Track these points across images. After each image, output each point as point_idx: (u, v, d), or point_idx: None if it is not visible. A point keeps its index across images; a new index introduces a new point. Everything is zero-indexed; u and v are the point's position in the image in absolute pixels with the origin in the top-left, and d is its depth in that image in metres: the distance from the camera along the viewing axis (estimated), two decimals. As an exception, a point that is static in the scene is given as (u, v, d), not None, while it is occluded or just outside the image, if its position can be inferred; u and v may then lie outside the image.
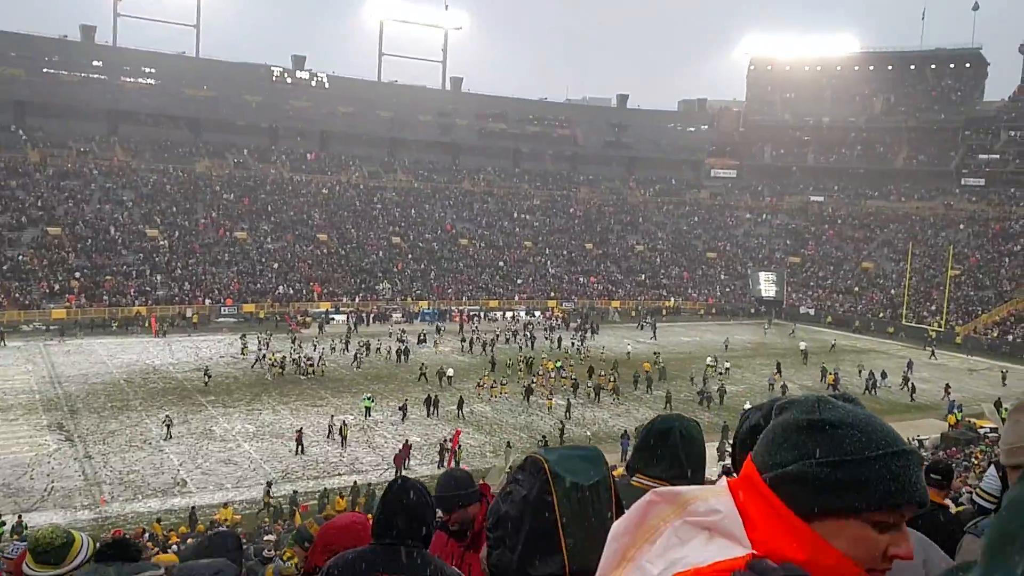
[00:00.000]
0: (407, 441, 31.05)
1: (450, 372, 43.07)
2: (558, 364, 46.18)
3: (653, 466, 2.33)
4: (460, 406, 36.56)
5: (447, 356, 49.26)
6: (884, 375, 46.68)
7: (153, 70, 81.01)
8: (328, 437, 32.37)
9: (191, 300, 58.00)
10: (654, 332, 60.59)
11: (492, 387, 40.85)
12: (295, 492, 26.19)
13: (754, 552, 0.98)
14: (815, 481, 1.04)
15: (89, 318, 53.11)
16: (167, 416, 32.67)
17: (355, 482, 27.23)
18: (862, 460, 1.05)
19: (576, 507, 1.47)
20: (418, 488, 2.75)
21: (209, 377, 39.93)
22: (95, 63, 78.76)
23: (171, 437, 31.34)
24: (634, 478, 2.36)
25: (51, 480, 26.60)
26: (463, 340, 52.82)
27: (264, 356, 45.08)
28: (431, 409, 36.51)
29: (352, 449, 31.78)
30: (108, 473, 27.85)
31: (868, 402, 41.52)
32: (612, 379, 43.02)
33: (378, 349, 49.10)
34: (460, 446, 30.21)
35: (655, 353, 49.93)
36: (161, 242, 63.86)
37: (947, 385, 44.19)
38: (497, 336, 53.79)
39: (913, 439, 33.12)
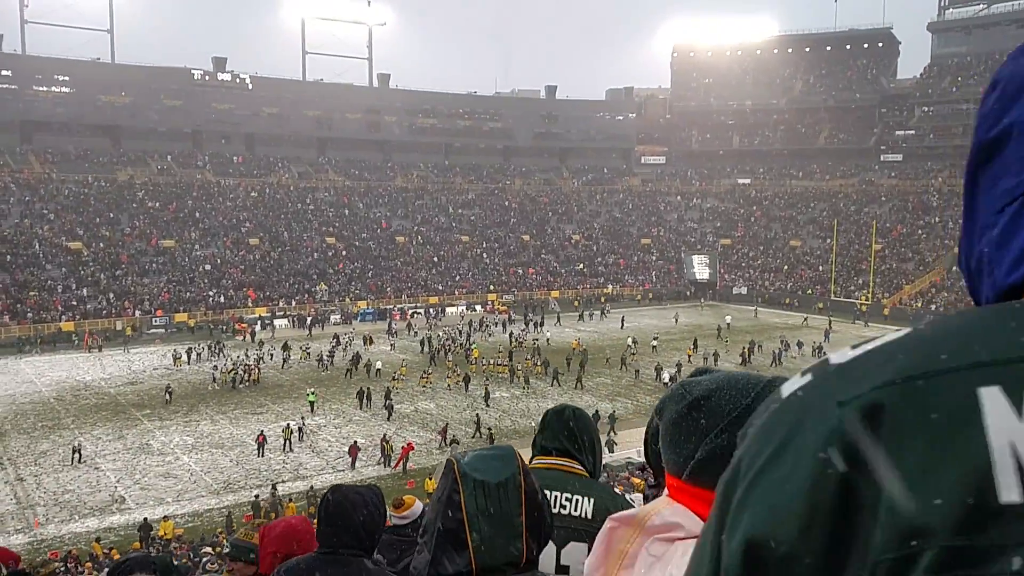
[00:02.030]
0: (355, 443, 30.96)
1: (378, 365, 43.77)
2: (499, 352, 47.43)
3: (549, 443, 2.50)
4: (387, 397, 37.15)
5: (397, 355, 48.77)
6: (800, 344, 50.20)
7: (67, 78, 78.18)
8: (286, 446, 31.88)
9: (120, 313, 56.33)
10: (603, 315, 63.65)
11: (423, 376, 42.27)
12: (273, 492, 26.25)
13: None
14: (721, 452, 1.08)
15: (15, 336, 51.13)
16: (78, 442, 31.12)
17: (312, 486, 27.04)
18: (744, 411, 1.12)
19: (483, 504, 1.50)
20: (351, 494, 2.76)
21: (171, 393, 38.28)
22: (3, 72, 75.59)
23: (82, 461, 29.93)
24: (534, 460, 2.47)
25: (-20, 506, 25.65)
26: (424, 339, 52.39)
27: (219, 367, 43.79)
28: (363, 402, 37.23)
29: (295, 455, 31.40)
30: (42, 495, 26.97)
31: (778, 372, 42.76)
32: (537, 366, 44.35)
33: (330, 353, 47.85)
34: (408, 457, 30.05)
35: (632, 341, 50.48)
36: (85, 255, 61.84)
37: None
38: (454, 332, 54.28)
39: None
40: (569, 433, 2.49)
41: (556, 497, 2.30)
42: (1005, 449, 0.48)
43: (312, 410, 36.43)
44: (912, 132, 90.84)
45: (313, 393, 37.67)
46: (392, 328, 56.07)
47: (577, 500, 2.32)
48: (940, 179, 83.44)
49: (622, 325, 58.75)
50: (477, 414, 34.88)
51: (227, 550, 3.99)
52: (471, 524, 1.48)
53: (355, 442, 31.19)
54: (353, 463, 30.01)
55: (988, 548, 0.47)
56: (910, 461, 0.51)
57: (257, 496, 26.23)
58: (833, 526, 0.52)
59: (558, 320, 61.11)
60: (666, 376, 41.40)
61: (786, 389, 0.60)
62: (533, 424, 34.37)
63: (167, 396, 38.01)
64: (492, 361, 45.77)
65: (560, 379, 42.13)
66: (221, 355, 47.07)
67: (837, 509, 0.52)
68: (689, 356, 47.21)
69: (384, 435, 31.84)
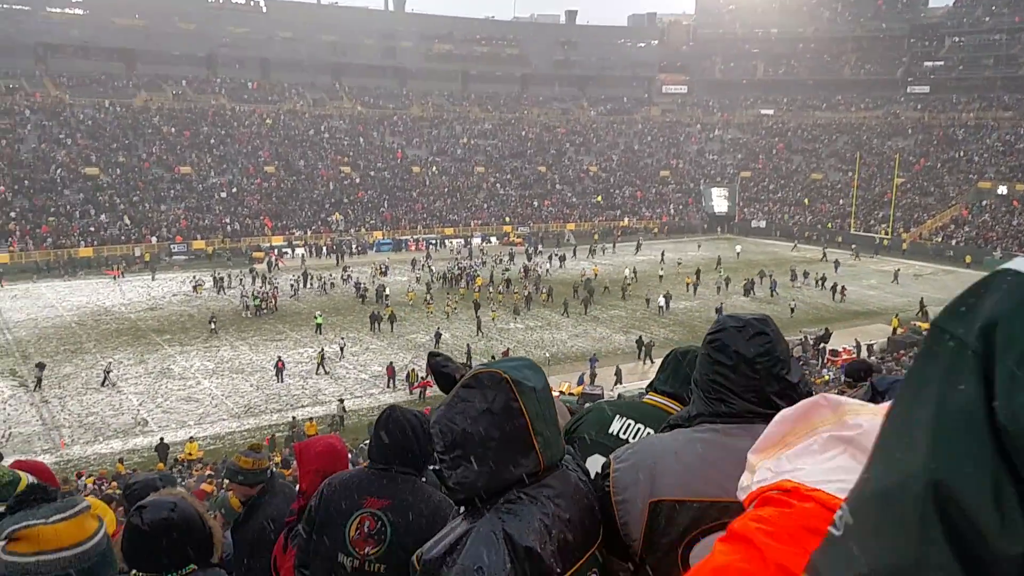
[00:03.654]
0: (391, 364, 32.10)
1: (387, 292, 44.46)
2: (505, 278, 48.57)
3: (665, 384, 2.54)
4: (392, 321, 38.75)
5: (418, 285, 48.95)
6: (806, 274, 50.86)
7: (80, -1, 77.10)
8: (319, 369, 32.64)
9: (138, 239, 56.68)
10: (637, 249, 63.92)
11: (427, 302, 43.09)
12: (294, 418, 26.90)
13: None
14: None
15: (34, 261, 51.65)
16: (107, 363, 31.93)
17: (344, 407, 27.95)
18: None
19: (538, 407, 1.59)
20: (410, 415, 2.78)
21: (215, 322, 38.31)
22: (17, -7, 74.60)
23: (108, 383, 30.58)
24: (647, 396, 2.56)
25: (8, 427, 26.29)
26: (426, 268, 52.54)
27: (250, 293, 44.15)
28: (373, 324, 38.63)
29: (314, 380, 31.88)
30: (66, 417, 27.60)
31: (791, 298, 42.83)
32: (542, 294, 45.39)
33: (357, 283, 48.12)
34: (424, 388, 30.51)
35: (633, 272, 51.26)
36: (102, 180, 61.91)
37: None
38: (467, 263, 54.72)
39: (863, 344, 34.33)
40: (681, 376, 2.49)
41: (639, 430, 2.38)
42: None
43: (319, 332, 37.43)
44: (941, 63, 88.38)
45: (320, 315, 38.78)
46: (418, 261, 55.52)
47: None
48: (968, 112, 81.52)
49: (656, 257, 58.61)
50: (468, 344, 35.24)
51: (223, 472, 4.09)
52: (534, 427, 1.57)
53: (391, 363, 32.11)
54: (390, 382, 31.16)
55: None
56: None
57: (294, 418, 27.03)
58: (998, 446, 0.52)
59: (574, 253, 60.94)
60: (661, 301, 42.83)
61: (1013, 264, 0.59)
62: (533, 355, 34.66)
63: (212, 325, 37.96)
64: (495, 290, 46.45)
65: (569, 310, 42.42)
66: (245, 282, 47.40)
67: (990, 428, 0.53)
68: (687, 285, 48.21)
69: (391, 364, 32.38)
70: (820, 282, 48.98)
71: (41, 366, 31.06)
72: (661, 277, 50.63)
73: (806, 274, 51.21)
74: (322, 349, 33.96)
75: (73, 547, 1.85)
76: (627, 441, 2.36)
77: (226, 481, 15.56)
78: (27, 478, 2.80)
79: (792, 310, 41.87)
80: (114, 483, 20.11)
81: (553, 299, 44.24)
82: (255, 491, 4.14)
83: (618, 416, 2.44)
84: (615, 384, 29.48)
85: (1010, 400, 0.54)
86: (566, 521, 1.55)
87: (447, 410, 1.59)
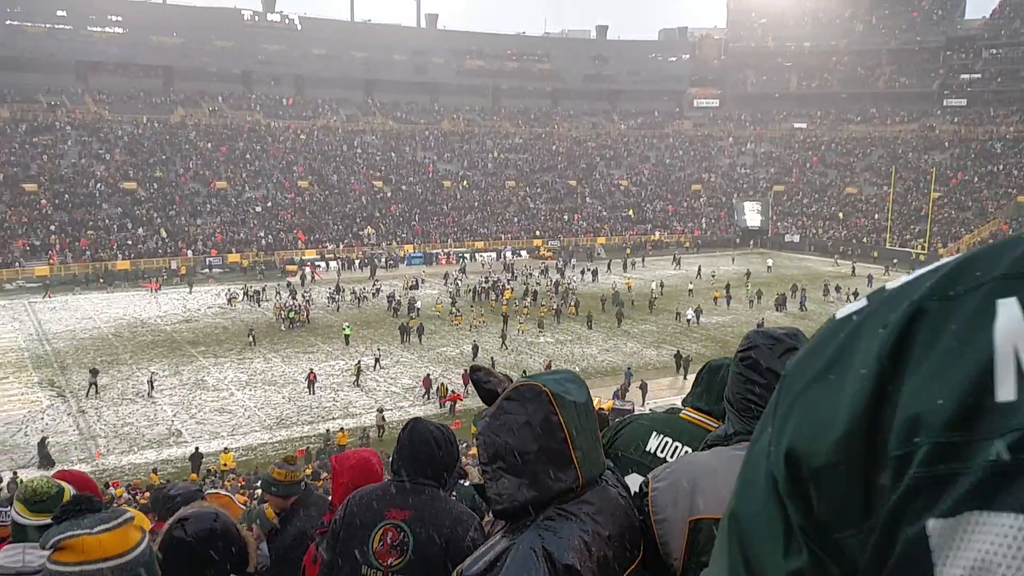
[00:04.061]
0: (427, 375, 32.55)
1: (418, 304, 45.00)
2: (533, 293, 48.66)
3: (700, 400, 2.51)
4: (420, 333, 39.11)
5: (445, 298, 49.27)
6: (838, 289, 51.24)
7: (120, 18, 78.86)
8: (356, 382, 32.99)
9: (174, 252, 57.59)
10: (677, 262, 64.16)
11: (456, 315, 43.45)
12: (328, 431, 27.17)
13: None
14: None
15: (72, 274, 52.68)
16: (151, 373, 32.61)
17: (384, 416, 28.22)
18: None
19: (578, 422, 1.59)
20: (433, 428, 2.80)
21: (254, 336, 38.69)
22: (59, 12, 76.50)
23: (152, 394, 31.13)
24: (683, 411, 2.54)
25: (46, 436, 26.72)
26: (455, 282, 52.78)
27: (286, 305, 44.73)
28: (403, 336, 39.06)
29: (345, 393, 32.07)
30: (102, 427, 28.02)
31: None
32: (570, 307, 45.45)
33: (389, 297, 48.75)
34: (454, 402, 30.52)
35: (659, 286, 51.29)
36: (140, 195, 63.06)
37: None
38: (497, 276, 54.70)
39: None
40: (713, 393, 2.46)
41: (676, 448, 2.36)
42: (1009, 352, 0.52)
43: (347, 343, 38.14)
44: (978, 76, 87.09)
45: (348, 326, 39.48)
46: (450, 275, 55.45)
47: None
48: (1006, 125, 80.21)
49: (692, 270, 58.25)
50: (492, 357, 35.28)
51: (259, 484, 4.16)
52: (574, 442, 1.57)
53: (427, 375, 32.48)
54: (427, 394, 31.44)
55: (974, 441, 0.51)
56: (926, 365, 0.55)
57: (328, 430, 27.27)
58: (866, 432, 0.57)
59: (608, 267, 60.66)
60: (690, 314, 43.41)
61: (841, 312, 0.65)
62: (595, 369, 34.53)
63: (250, 337, 38.36)
64: (522, 304, 46.45)
65: (594, 323, 42.39)
66: (282, 295, 47.93)
67: (871, 415, 0.57)
68: (716, 299, 48.24)
69: (427, 376, 32.49)
70: (852, 297, 48.32)
71: (95, 372, 31.87)
72: (691, 291, 50.40)
73: (838, 288, 50.87)
74: (359, 362, 34.22)
75: (116, 557, 1.87)
76: (664, 459, 2.35)
77: (259, 492, 15.67)
78: (69, 489, 2.86)
79: None
80: (147, 493, 20.35)
81: (579, 312, 44.21)
82: (288, 503, 4.18)
83: (655, 433, 2.43)
84: (644, 398, 29.32)
85: (776, 448, 0.62)
86: (606, 538, 1.54)
87: (490, 422, 1.60)
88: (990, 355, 0.52)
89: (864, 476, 0.56)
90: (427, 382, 31.87)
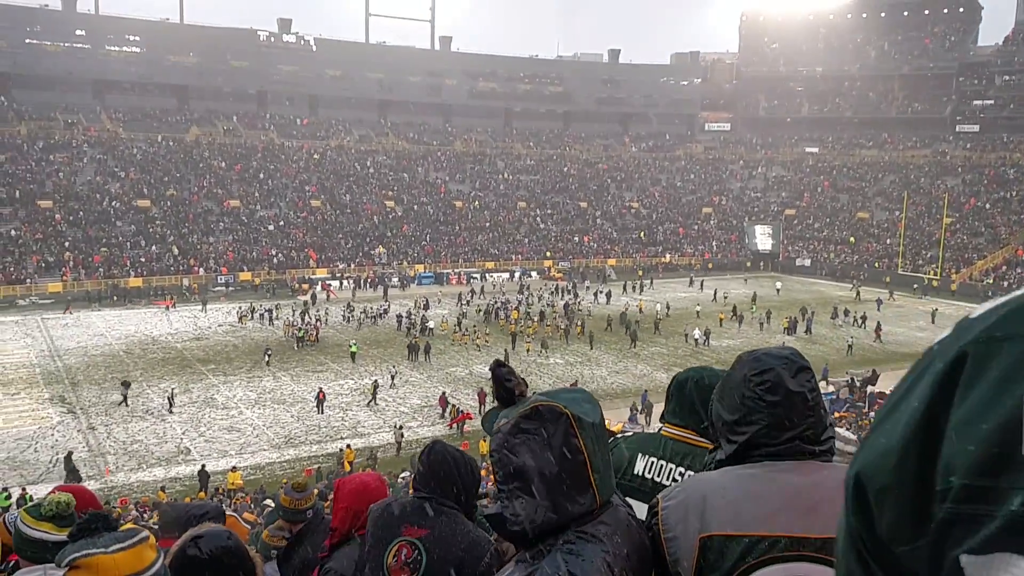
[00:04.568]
0: (443, 393, 32.64)
1: (431, 324, 45.36)
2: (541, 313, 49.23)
3: (675, 416, 2.49)
4: (427, 352, 39.40)
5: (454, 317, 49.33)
6: (847, 312, 51.01)
7: (137, 38, 79.79)
8: (372, 401, 32.92)
9: (187, 270, 57.88)
10: (691, 282, 65.09)
11: (462, 334, 43.86)
12: (341, 451, 27.02)
13: None
14: None
15: (84, 290, 52.99)
16: (171, 389, 32.76)
17: (403, 433, 28.50)
18: None
19: (595, 444, 1.58)
20: (452, 450, 2.80)
21: (269, 355, 38.66)
22: (78, 32, 77.50)
23: (172, 410, 31.35)
24: (663, 428, 2.52)
25: (55, 452, 26.77)
26: (463, 303, 52.98)
27: (295, 324, 44.94)
28: (412, 355, 39.28)
29: (353, 413, 32.03)
30: (112, 444, 28.04)
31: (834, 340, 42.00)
32: (577, 327, 45.49)
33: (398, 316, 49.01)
34: (463, 422, 30.44)
35: (666, 307, 51.65)
36: (154, 212, 63.52)
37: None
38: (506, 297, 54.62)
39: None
40: (689, 408, 2.46)
41: (670, 469, 2.35)
42: None
43: (353, 360, 38.44)
44: (991, 102, 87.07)
45: (355, 344, 39.69)
46: (463, 296, 55.75)
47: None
48: (1019, 151, 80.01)
49: (702, 289, 58.13)
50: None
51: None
52: (592, 464, 1.55)
53: (443, 392, 32.62)
54: (444, 413, 31.37)
55: (1002, 489, 0.55)
56: (964, 407, 0.59)
57: (341, 449, 27.12)
58: (916, 461, 0.62)
59: (624, 290, 60.61)
60: (697, 334, 43.98)
61: (934, 340, 0.68)
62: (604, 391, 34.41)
63: (266, 358, 38.20)
64: (527, 324, 46.72)
65: (601, 344, 42.62)
66: (296, 314, 48.00)
67: (920, 447, 0.62)
68: (721, 321, 48.27)
69: (443, 394, 32.49)
70: (861, 321, 48.35)
71: (127, 384, 32.32)
72: (698, 313, 50.58)
73: (847, 312, 50.95)
74: (375, 380, 34.28)
75: None
76: (654, 480, 2.34)
77: (267, 510, 15.63)
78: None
79: (850, 347, 42.59)
80: (156, 513, 20.32)
81: (585, 332, 44.33)
82: (296, 527, 4.17)
83: (640, 455, 2.41)
84: (648, 420, 29.32)
85: (851, 469, 0.70)
86: (625, 557, 1.53)
87: (508, 439, 1.56)
88: (1020, 408, 0.55)
89: (916, 501, 0.61)
90: (443, 401, 31.87)
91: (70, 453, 25.44)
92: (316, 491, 4.05)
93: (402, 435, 28.19)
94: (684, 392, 2.48)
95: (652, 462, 2.37)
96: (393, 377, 35.56)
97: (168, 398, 31.80)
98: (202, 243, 61.58)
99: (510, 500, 1.54)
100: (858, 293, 59.52)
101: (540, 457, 1.53)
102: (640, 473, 2.36)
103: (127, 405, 31.47)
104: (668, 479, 2.34)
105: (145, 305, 51.88)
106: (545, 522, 1.52)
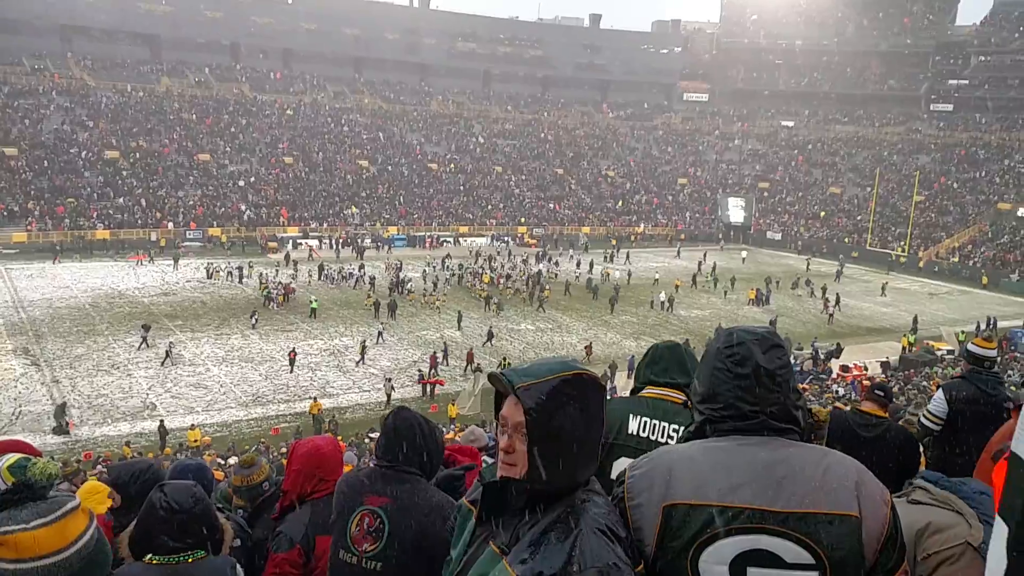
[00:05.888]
0: (434, 353, 32.82)
1: (410, 286, 45.91)
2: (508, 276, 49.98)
3: (664, 374, 2.61)
4: (392, 310, 39.68)
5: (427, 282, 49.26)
6: (808, 283, 52.60)
7: (107, -17, 77.49)
8: (361, 361, 32.88)
9: (155, 224, 56.99)
10: (678, 252, 66.04)
11: (428, 296, 44.12)
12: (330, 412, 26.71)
13: None
14: None
15: (50, 241, 52.03)
16: (169, 343, 32.55)
17: (392, 385, 28.73)
18: None
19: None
20: (419, 417, 2.81)
21: (256, 319, 37.70)
22: (45, -26, 75.06)
23: (171, 361, 31.43)
24: (645, 390, 2.62)
25: (18, 404, 26.46)
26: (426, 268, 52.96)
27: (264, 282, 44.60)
28: (376, 312, 39.56)
29: (323, 373, 31.95)
30: (76, 397, 27.75)
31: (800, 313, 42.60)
32: (546, 291, 45.69)
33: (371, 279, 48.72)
34: (435, 386, 30.52)
35: (627, 274, 51.21)
36: (122, 164, 62.30)
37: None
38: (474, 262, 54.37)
39: (877, 360, 34.20)
40: (681, 367, 2.59)
41: (663, 428, 2.44)
42: None
43: (313, 316, 38.96)
44: (965, 82, 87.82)
45: (315, 300, 40.13)
46: (449, 258, 55.85)
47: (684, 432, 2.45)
48: (990, 132, 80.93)
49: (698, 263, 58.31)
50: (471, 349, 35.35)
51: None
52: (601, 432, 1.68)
53: (434, 352, 32.91)
54: (432, 370, 31.55)
55: None
56: None
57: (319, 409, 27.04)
58: None
59: (607, 258, 60.77)
60: (663, 297, 45.36)
61: None
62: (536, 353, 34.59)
63: (253, 321, 37.38)
64: (499, 287, 47.48)
65: (551, 307, 42.82)
66: (267, 273, 47.52)
67: None
68: (676, 287, 49.51)
69: (433, 353, 32.80)
70: (821, 292, 49.19)
71: (147, 327, 32.91)
72: (656, 281, 51.48)
73: (808, 282, 52.26)
74: (364, 340, 34.28)
75: (53, 554, 1.78)
76: (649, 439, 2.42)
77: (231, 468, 15.62)
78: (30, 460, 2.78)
79: (831, 317, 44.08)
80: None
81: (550, 298, 44.83)
82: (254, 504, 4.12)
83: (632, 415, 2.46)
84: (613, 378, 30.10)
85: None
86: (617, 513, 1.67)
87: (546, 403, 1.58)
88: None
89: None
90: (433, 360, 32.00)
91: (64, 404, 25.34)
92: (267, 463, 3.98)
93: (392, 388, 28.95)
94: (673, 356, 2.62)
95: (645, 421, 2.44)
96: (380, 333, 35.76)
97: (166, 352, 31.66)
98: (171, 197, 60.59)
99: (544, 459, 1.57)
100: (807, 264, 61.29)
101: (577, 423, 1.59)
102: (635, 432, 2.42)
103: (147, 345, 32.49)
104: (664, 437, 2.43)
105: (119, 258, 51.09)
106: (565, 483, 1.60)
